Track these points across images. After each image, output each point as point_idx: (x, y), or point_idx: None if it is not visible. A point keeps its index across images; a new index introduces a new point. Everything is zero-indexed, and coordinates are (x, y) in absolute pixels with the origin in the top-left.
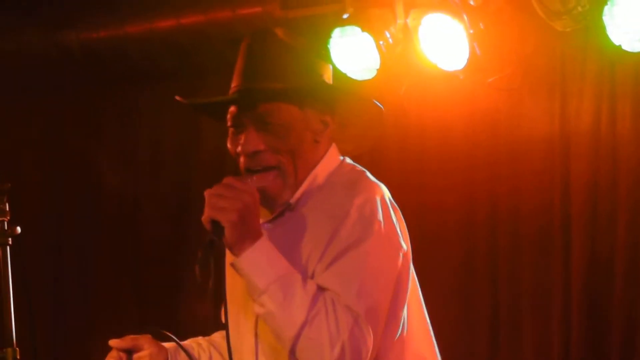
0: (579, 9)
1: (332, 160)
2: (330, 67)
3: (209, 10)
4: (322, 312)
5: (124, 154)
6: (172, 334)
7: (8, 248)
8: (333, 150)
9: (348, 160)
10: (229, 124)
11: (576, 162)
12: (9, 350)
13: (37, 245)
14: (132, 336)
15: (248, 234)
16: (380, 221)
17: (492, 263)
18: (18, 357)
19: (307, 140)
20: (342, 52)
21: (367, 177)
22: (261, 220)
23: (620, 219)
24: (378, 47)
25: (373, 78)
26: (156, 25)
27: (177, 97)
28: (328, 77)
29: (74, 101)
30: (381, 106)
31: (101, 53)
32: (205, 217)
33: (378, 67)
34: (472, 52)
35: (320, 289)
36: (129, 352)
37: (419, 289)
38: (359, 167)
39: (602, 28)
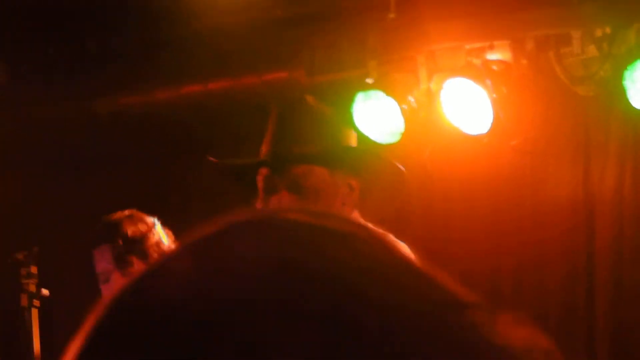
0: (601, 74)
1: None
2: (354, 132)
3: (236, 76)
4: None
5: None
6: None
7: (36, 310)
8: (355, 215)
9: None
10: (260, 185)
11: (600, 225)
12: None
13: (65, 307)
14: None
15: None
16: None
17: None
18: None
19: (336, 204)
20: (366, 116)
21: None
22: None
23: None
24: (402, 111)
25: (397, 142)
26: (183, 90)
27: (210, 158)
28: (353, 142)
29: (104, 167)
30: (403, 169)
31: (129, 119)
32: None
33: (402, 130)
34: (496, 116)
35: None
36: None
37: None
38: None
39: (624, 92)
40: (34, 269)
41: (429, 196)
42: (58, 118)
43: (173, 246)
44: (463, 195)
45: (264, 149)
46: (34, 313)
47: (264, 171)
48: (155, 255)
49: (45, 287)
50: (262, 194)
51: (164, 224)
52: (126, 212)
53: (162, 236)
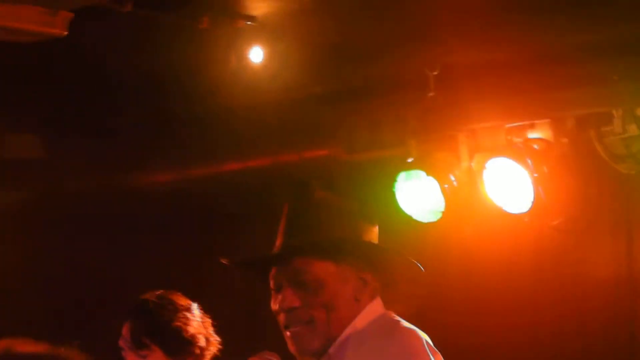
0: None
1: (372, 311)
2: (376, 227)
3: (276, 154)
4: None
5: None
6: None
7: None
8: (376, 302)
9: (392, 314)
10: (270, 284)
11: None
12: None
13: None
14: None
15: None
16: None
17: None
18: None
19: (345, 295)
20: (407, 195)
21: (402, 324)
22: None
23: None
24: (442, 190)
25: (438, 220)
26: (224, 167)
27: (220, 259)
28: (370, 237)
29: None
30: (421, 267)
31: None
32: None
33: (443, 209)
34: (537, 196)
35: None
36: None
37: None
38: (393, 315)
39: None
40: None
41: (469, 274)
42: (92, 191)
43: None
44: (503, 274)
45: (277, 242)
46: None
47: (272, 270)
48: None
49: None
50: (272, 293)
51: (205, 309)
52: (158, 292)
53: (193, 322)
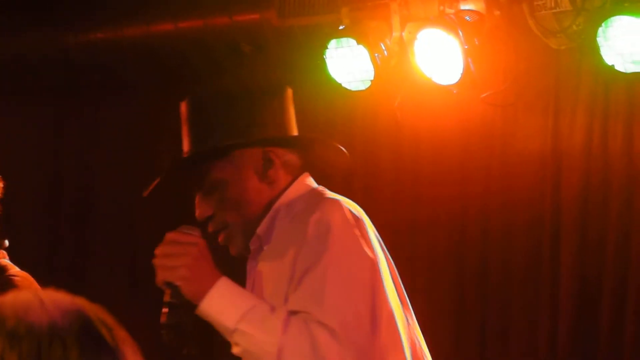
0: (574, 27)
1: (296, 189)
2: (282, 96)
3: (207, 16)
4: (296, 335)
5: (119, 158)
6: None
7: None
8: (300, 180)
9: (321, 188)
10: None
11: (567, 178)
12: None
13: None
14: None
15: (204, 282)
16: (337, 235)
17: (482, 276)
18: None
19: (251, 185)
20: (337, 62)
21: (324, 195)
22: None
23: (610, 236)
24: (373, 59)
25: (368, 89)
26: (153, 28)
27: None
28: (272, 114)
29: (69, 104)
30: (344, 150)
31: (97, 55)
32: (158, 281)
33: (372, 78)
34: (467, 68)
35: (292, 312)
36: None
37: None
38: (320, 188)
39: (597, 48)
40: None
41: (397, 144)
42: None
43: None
44: (432, 144)
45: (184, 145)
46: None
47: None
48: None
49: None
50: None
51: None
52: None
53: None
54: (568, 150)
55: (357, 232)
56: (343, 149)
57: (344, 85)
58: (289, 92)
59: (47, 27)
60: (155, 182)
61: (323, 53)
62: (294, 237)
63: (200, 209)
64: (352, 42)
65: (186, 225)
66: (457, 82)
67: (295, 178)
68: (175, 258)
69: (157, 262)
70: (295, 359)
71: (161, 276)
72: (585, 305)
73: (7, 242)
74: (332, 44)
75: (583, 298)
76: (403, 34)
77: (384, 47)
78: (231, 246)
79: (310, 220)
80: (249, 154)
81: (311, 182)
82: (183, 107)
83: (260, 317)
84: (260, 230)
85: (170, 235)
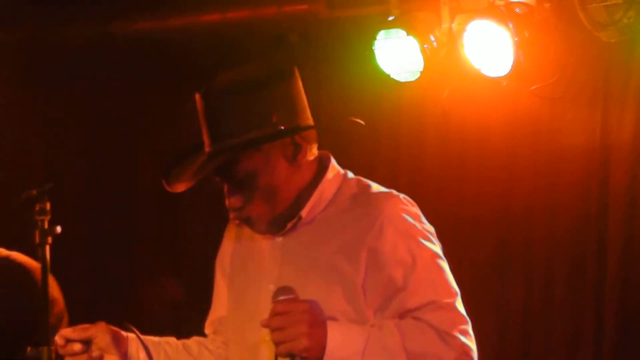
0: (625, 20)
1: (335, 175)
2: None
3: (255, 6)
4: (415, 332)
5: (166, 149)
6: None
7: (48, 247)
8: (333, 166)
9: (350, 174)
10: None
11: (615, 172)
12: (45, 349)
13: (76, 244)
14: (83, 326)
15: (322, 341)
16: (418, 230)
17: (526, 276)
18: (53, 356)
19: (282, 172)
20: (386, 54)
21: (378, 187)
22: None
23: None
24: (422, 50)
25: (416, 80)
26: (201, 18)
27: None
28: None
29: (118, 95)
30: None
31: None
32: (281, 354)
33: (421, 69)
34: (517, 60)
35: (408, 311)
36: (86, 342)
37: None
38: (362, 179)
39: None
40: (47, 206)
41: (444, 135)
42: (74, 40)
43: None
44: (479, 136)
45: (205, 142)
46: (47, 250)
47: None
48: None
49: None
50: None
51: None
52: None
53: None
54: (616, 145)
55: (423, 220)
56: (359, 120)
57: (392, 76)
58: (297, 72)
59: (96, 18)
60: (187, 175)
61: (372, 44)
62: (361, 228)
63: (230, 201)
64: (401, 33)
65: (282, 287)
66: (506, 75)
67: (317, 158)
68: (292, 329)
69: (275, 337)
70: (426, 351)
71: (283, 350)
72: (630, 306)
73: (59, 228)
74: (381, 35)
75: (628, 298)
76: (452, 25)
77: (433, 39)
78: (253, 229)
79: (381, 214)
80: (278, 141)
81: (337, 168)
82: (199, 99)
83: (377, 339)
84: (304, 212)
85: (279, 307)
